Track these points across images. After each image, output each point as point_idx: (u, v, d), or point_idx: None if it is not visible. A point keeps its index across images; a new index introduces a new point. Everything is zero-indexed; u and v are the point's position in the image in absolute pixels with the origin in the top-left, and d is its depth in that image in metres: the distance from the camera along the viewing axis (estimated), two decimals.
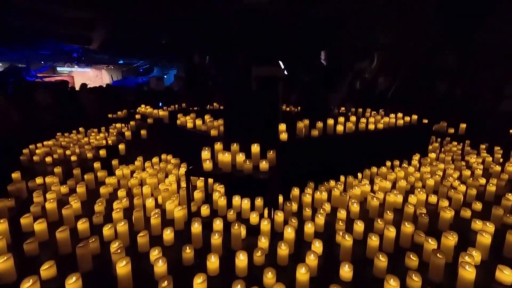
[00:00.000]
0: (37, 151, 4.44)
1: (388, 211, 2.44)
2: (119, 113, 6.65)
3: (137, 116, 5.68)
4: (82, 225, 2.21)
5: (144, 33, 11.77)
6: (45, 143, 4.94)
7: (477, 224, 2.32)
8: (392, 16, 8.46)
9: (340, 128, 3.55)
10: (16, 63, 15.14)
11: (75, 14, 9.79)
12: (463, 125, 5.10)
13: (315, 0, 7.76)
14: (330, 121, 3.52)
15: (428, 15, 7.80)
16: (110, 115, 6.66)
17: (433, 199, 2.88)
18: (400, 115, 4.44)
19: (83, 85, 9.81)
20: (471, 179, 3.29)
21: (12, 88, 9.38)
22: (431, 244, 1.92)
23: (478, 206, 2.74)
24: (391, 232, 2.04)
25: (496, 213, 2.44)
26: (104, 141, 5.18)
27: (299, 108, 6.59)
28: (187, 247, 1.91)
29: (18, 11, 9.06)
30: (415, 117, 4.50)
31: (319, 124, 3.42)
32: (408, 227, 2.12)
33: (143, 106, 6.25)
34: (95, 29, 11.10)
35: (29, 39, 11.98)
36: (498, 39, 6.81)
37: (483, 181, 3.35)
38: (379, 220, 2.30)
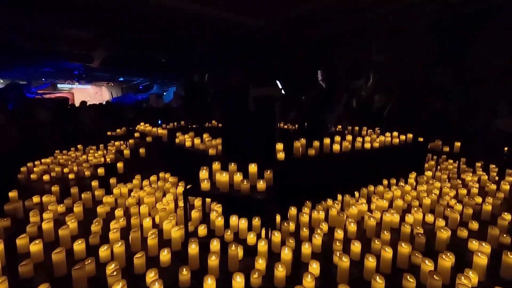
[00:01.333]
0: (35, 169, 4.44)
1: (385, 231, 2.45)
2: (118, 130, 6.71)
3: (136, 134, 5.72)
4: (78, 246, 2.20)
5: (145, 51, 12.06)
6: (43, 160, 4.94)
7: (473, 244, 2.33)
8: (386, 36, 8.76)
9: (336, 147, 3.60)
10: (17, 80, 15.32)
11: (77, 34, 10.06)
12: (457, 143, 5.17)
13: (312, 22, 8.02)
14: (327, 140, 3.57)
15: (420, 35, 8.07)
16: (109, 133, 6.71)
17: (430, 218, 2.89)
18: (395, 133, 4.51)
19: (83, 103, 9.92)
20: (467, 197, 3.32)
21: (12, 105, 9.47)
22: (428, 265, 1.92)
23: (474, 225, 2.75)
24: (388, 253, 2.04)
25: (492, 233, 2.45)
26: (102, 159, 5.19)
27: (296, 126, 6.68)
28: (184, 269, 1.90)
29: (21, 31, 9.30)
30: (410, 135, 4.58)
31: (316, 143, 3.47)
32: (405, 248, 2.13)
33: (142, 124, 6.32)
34: (96, 48, 11.37)
35: (31, 57, 12.21)
36: (490, 57, 7.03)
37: (479, 199, 3.37)
38: (376, 240, 2.30)
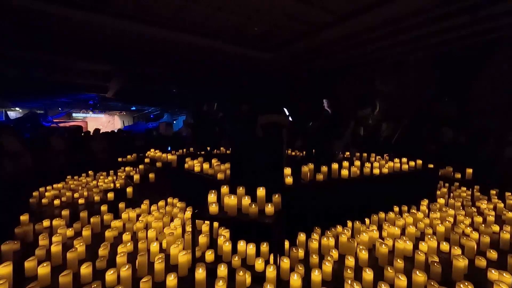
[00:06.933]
0: (46, 193, 4.51)
1: (398, 259, 2.36)
2: (128, 156, 6.82)
3: (146, 160, 5.81)
4: (85, 269, 2.18)
5: (157, 83, 12.61)
6: (54, 186, 5.02)
7: (493, 274, 2.21)
8: (391, 67, 9.00)
9: (344, 172, 3.59)
10: (35, 109, 16.03)
11: (93, 67, 10.67)
12: (469, 170, 5.07)
13: (317, 54, 8.35)
14: (335, 166, 3.57)
15: (424, 69, 8.30)
16: (119, 159, 6.83)
17: (445, 246, 2.78)
18: (404, 160, 4.47)
19: (96, 130, 10.24)
20: (483, 225, 3.20)
21: (29, 133, 9.84)
22: None
23: (493, 254, 2.63)
24: (402, 281, 1.96)
25: None
26: (112, 184, 5.25)
27: (304, 152, 6.69)
28: None
29: (39, 64, 9.93)
30: (420, 162, 4.53)
31: (324, 169, 3.47)
32: (420, 276, 2.04)
33: (152, 150, 6.43)
34: (111, 80, 11.96)
35: (49, 89, 12.88)
36: (495, 88, 7.11)
37: (496, 228, 3.24)
38: (389, 268, 2.22)
